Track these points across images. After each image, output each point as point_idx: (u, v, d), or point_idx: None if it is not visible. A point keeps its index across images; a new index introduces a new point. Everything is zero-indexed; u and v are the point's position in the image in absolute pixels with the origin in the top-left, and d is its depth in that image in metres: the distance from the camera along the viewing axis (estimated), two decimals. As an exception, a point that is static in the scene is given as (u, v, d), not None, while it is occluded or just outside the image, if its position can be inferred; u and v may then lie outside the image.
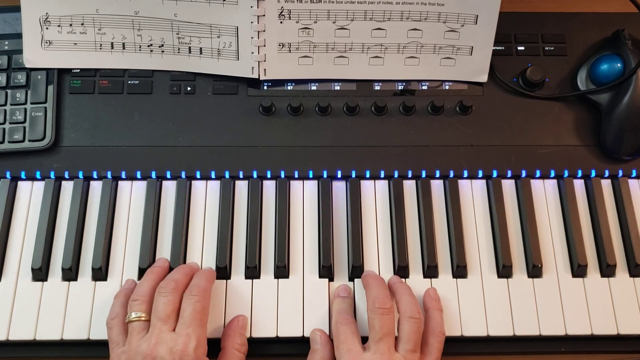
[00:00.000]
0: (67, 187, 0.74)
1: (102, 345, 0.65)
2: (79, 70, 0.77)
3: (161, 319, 0.62)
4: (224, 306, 0.68)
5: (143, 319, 0.63)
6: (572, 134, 0.77)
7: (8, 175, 0.73)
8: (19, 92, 0.75)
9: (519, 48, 0.80)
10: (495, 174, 0.75)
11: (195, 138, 0.75)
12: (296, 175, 0.74)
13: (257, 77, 0.76)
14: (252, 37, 0.74)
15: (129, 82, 0.77)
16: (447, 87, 0.78)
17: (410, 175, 0.75)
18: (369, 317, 0.64)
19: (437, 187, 0.75)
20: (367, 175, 0.75)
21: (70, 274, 0.69)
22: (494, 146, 0.76)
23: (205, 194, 0.74)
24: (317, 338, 0.66)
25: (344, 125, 0.76)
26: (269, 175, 0.74)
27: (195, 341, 0.61)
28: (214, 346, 0.65)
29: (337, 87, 0.78)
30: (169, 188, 0.74)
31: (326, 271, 0.70)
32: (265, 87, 0.78)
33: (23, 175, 0.74)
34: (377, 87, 0.78)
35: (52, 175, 0.74)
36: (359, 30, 0.75)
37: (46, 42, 0.76)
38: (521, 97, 0.78)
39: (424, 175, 0.75)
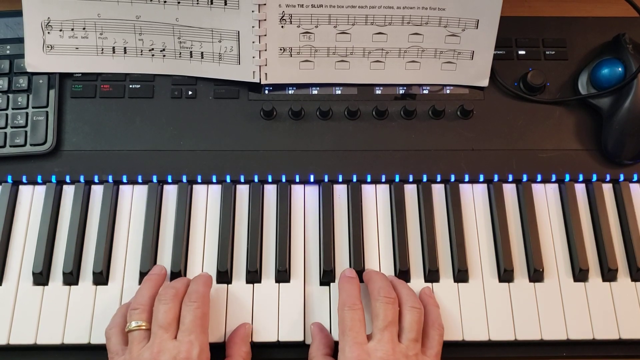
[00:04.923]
0: (69, 191, 0.74)
1: (102, 350, 0.65)
2: (80, 75, 0.77)
3: (162, 327, 0.61)
4: (225, 310, 0.68)
5: (143, 327, 0.62)
6: (573, 138, 0.77)
7: (9, 179, 0.73)
8: (21, 96, 0.75)
9: (520, 52, 0.80)
10: (496, 178, 0.75)
11: (196, 142, 0.75)
12: (297, 180, 0.74)
13: (259, 82, 0.77)
14: (253, 42, 0.74)
15: (131, 86, 0.77)
16: (448, 92, 0.78)
17: (411, 179, 0.75)
18: (373, 306, 0.63)
19: (438, 191, 0.75)
20: (368, 180, 0.75)
21: (71, 278, 0.69)
22: (495, 150, 0.76)
23: (207, 198, 0.74)
24: (312, 329, 0.67)
25: (345, 130, 0.76)
26: (270, 180, 0.74)
27: (198, 347, 0.60)
28: (214, 351, 0.65)
29: (338, 92, 0.78)
30: (170, 192, 0.74)
31: (327, 275, 0.70)
32: (266, 92, 0.78)
33: (24, 180, 0.74)
34: (378, 92, 0.78)
35: (53, 179, 0.74)
36: (360, 34, 0.75)
37: (48, 47, 0.76)
38: (522, 102, 0.78)
39: (425, 179, 0.75)
